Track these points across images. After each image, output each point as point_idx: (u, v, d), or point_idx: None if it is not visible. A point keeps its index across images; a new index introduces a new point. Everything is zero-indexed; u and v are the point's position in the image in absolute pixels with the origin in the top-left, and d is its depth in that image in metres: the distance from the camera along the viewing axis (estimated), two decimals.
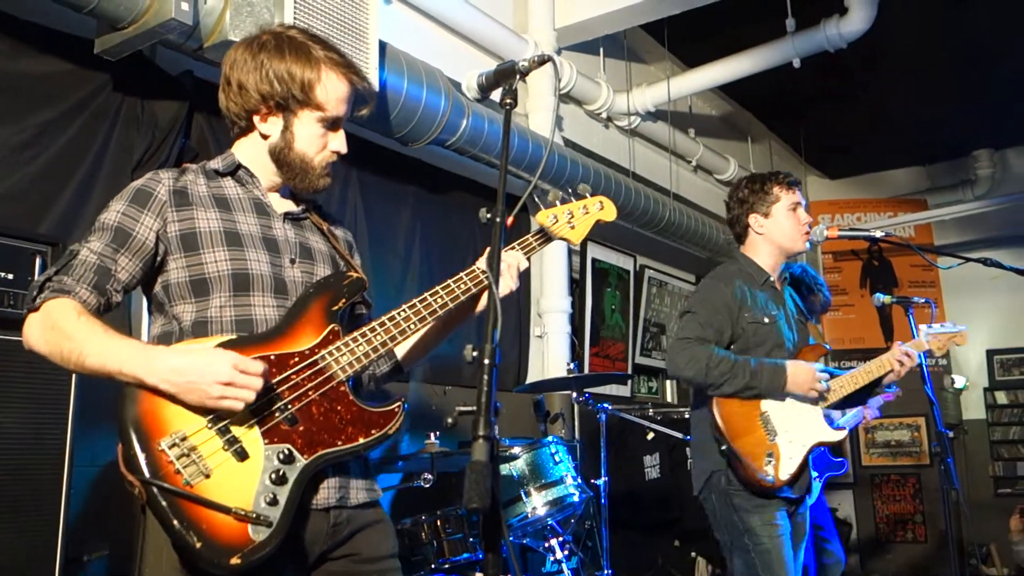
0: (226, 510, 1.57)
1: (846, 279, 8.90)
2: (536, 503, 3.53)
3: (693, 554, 5.92)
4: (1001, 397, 8.52)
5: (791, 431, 2.97)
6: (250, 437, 1.65)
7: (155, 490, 1.55)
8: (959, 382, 8.53)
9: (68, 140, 3.16)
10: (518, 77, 1.78)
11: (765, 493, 2.89)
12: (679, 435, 4.73)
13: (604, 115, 6.20)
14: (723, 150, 7.70)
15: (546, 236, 2.09)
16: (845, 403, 3.22)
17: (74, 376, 2.56)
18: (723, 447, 2.91)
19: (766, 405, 2.97)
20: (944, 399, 8.19)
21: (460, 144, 4.30)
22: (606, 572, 4.09)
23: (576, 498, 3.61)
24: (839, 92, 7.45)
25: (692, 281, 7.47)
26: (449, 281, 1.92)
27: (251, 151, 1.91)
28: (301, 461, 1.67)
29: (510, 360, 5.24)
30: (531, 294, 5.52)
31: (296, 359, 1.73)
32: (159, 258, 1.80)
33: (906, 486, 8.16)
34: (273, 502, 1.62)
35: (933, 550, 7.78)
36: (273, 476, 1.63)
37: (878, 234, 3.29)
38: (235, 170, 1.91)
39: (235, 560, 1.55)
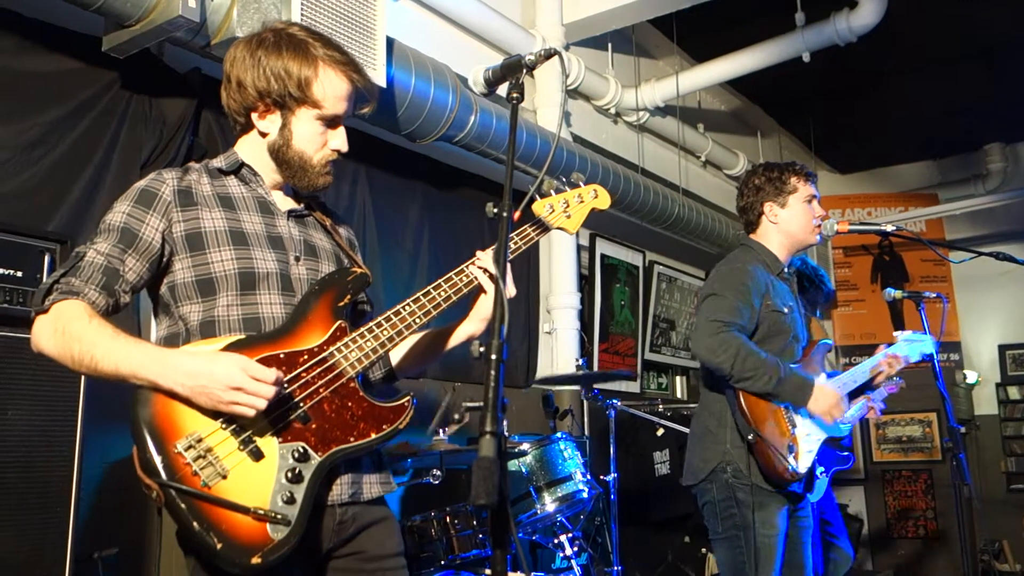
0: (245, 510, 1.58)
1: (857, 274, 8.86)
2: (545, 499, 3.52)
3: (703, 550, 5.91)
4: (1013, 392, 8.47)
5: (807, 425, 2.95)
6: (264, 436, 1.65)
7: (173, 493, 1.55)
8: (971, 377, 8.48)
9: (76, 138, 3.17)
10: (524, 71, 1.77)
11: (781, 484, 2.86)
12: (688, 431, 4.72)
13: (613, 110, 6.18)
14: (733, 145, 7.68)
15: (543, 226, 2.07)
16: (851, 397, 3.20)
17: None
18: (749, 436, 2.84)
19: None
20: (956, 394, 8.15)
21: (468, 140, 4.30)
22: (616, 568, 4.09)
23: (586, 494, 3.60)
24: (849, 86, 7.40)
25: (702, 277, 7.44)
26: (451, 274, 1.93)
27: (252, 149, 1.91)
28: (316, 458, 1.68)
29: (519, 357, 5.24)
30: (540, 290, 5.52)
31: (305, 357, 1.74)
32: (165, 259, 1.79)
33: (917, 482, 8.11)
34: (290, 500, 1.63)
35: (944, 546, 7.74)
36: (289, 474, 1.64)
37: (889, 228, 3.26)
38: (238, 169, 1.91)
39: (256, 559, 1.56)
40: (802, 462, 2.89)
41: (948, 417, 3.14)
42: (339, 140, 1.90)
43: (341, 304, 1.83)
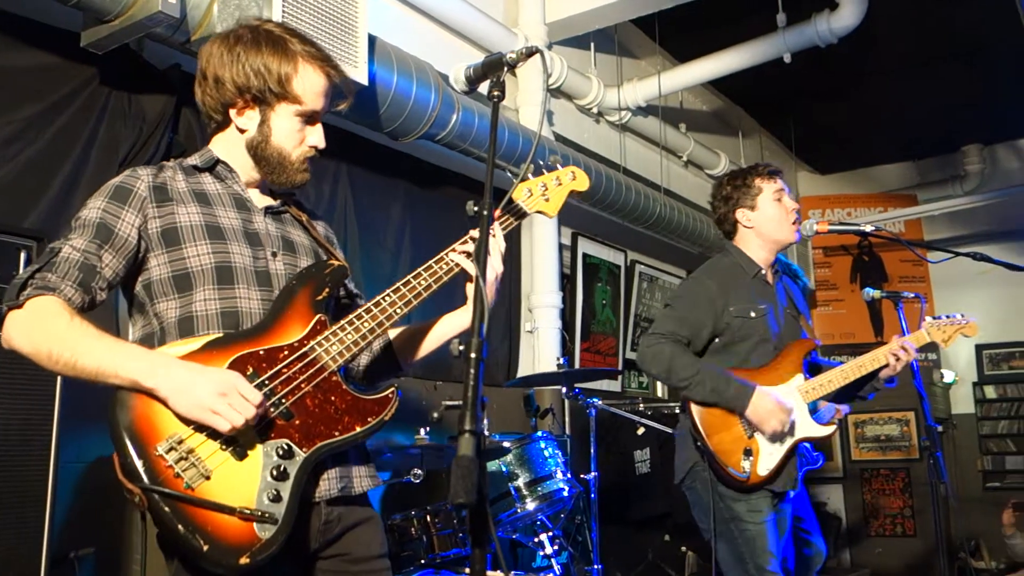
0: (231, 511, 1.56)
1: (836, 274, 8.92)
2: (526, 498, 3.52)
3: (683, 548, 5.93)
4: (990, 391, 8.56)
5: None
6: (247, 434, 1.62)
7: (156, 496, 1.52)
8: (948, 377, 8.56)
9: (54, 134, 3.14)
10: (506, 69, 1.77)
11: (741, 488, 2.90)
12: (669, 430, 4.73)
13: (595, 110, 6.19)
14: (714, 145, 7.70)
15: (521, 211, 2.04)
16: (838, 398, 3.20)
17: None
18: (698, 443, 2.92)
19: None
20: (933, 393, 8.23)
21: (450, 139, 4.29)
22: (596, 567, 4.09)
23: (566, 493, 3.61)
24: (830, 87, 7.45)
25: (683, 276, 7.47)
26: (431, 262, 1.90)
27: (228, 146, 1.90)
28: (301, 455, 1.66)
29: (500, 355, 5.24)
30: (522, 289, 5.52)
31: (286, 352, 1.72)
32: (140, 255, 1.77)
33: (895, 480, 8.18)
34: (276, 498, 1.61)
35: (922, 544, 7.81)
36: (274, 472, 1.62)
37: (868, 229, 3.29)
38: (214, 166, 1.89)
39: (244, 560, 1.54)
40: (761, 466, 2.90)
41: (926, 416, 3.16)
42: (316, 136, 1.89)
43: (320, 298, 1.81)
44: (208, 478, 1.57)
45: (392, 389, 1.82)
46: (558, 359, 5.07)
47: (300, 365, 1.72)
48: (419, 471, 3.33)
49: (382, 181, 4.57)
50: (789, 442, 2.96)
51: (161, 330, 1.75)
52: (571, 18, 5.42)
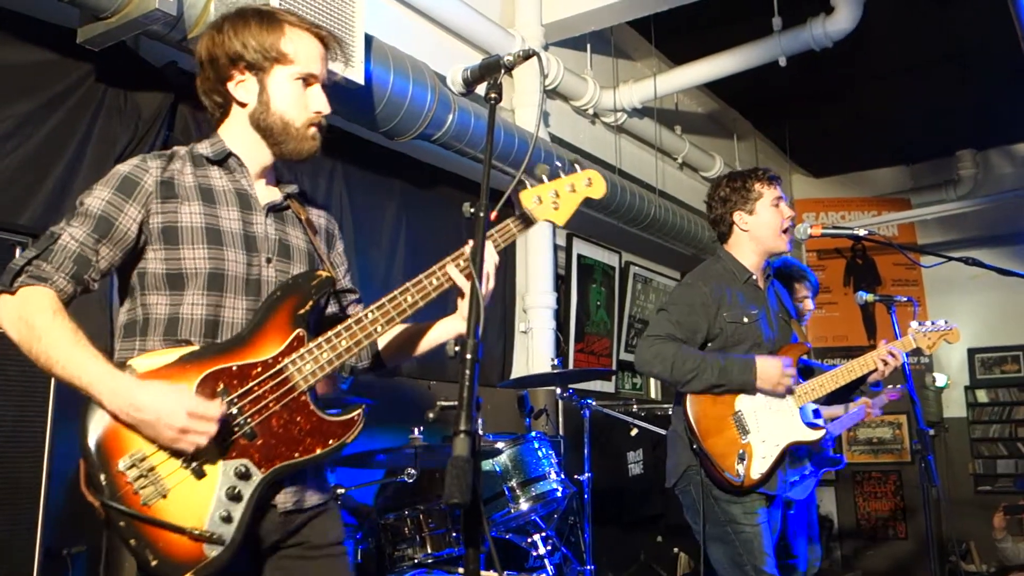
0: (181, 531, 1.61)
1: (830, 277, 8.95)
2: (519, 498, 3.53)
3: (675, 549, 5.95)
4: (982, 395, 8.59)
5: (765, 430, 2.99)
6: (210, 453, 1.66)
7: (113, 511, 1.59)
8: (940, 380, 8.59)
9: (50, 131, 3.13)
10: (503, 71, 1.78)
11: (735, 491, 2.91)
12: (662, 431, 4.73)
13: (591, 111, 6.20)
14: (709, 147, 7.72)
15: (527, 220, 1.98)
16: (829, 401, 3.23)
17: None
18: (694, 446, 2.93)
19: (740, 404, 2.99)
20: (925, 397, 8.26)
21: (446, 139, 4.29)
22: (589, 567, 4.10)
23: (559, 493, 3.61)
24: (824, 91, 7.47)
25: (677, 278, 7.49)
26: (422, 276, 1.89)
27: (236, 131, 1.91)
28: (257, 476, 1.70)
29: (495, 356, 5.24)
30: (516, 290, 5.52)
31: (259, 369, 1.74)
32: (139, 246, 1.80)
33: (887, 483, 8.22)
34: (228, 519, 1.66)
35: (914, 547, 7.85)
36: (228, 492, 1.67)
37: (861, 232, 3.30)
38: (225, 159, 1.90)
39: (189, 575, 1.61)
40: (754, 469, 2.92)
41: (917, 419, 3.18)
42: (319, 101, 1.91)
43: (302, 311, 1.82)
44: (165, 496, 1.63)
45: (359, 412, 1.82)
46: (552, 360, 5.08)
47: (271, 384, 1.74)
48: (413, 470, 3.33)
49: (378, 180, 4.58)
50: (781, 446, 2.98)
51: (145, 321, 1.78)
52: (567, 19, 5.43)
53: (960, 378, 8.66)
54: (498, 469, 3.55)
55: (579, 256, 6.21)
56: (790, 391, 3.02)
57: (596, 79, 6.09)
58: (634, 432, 5.28)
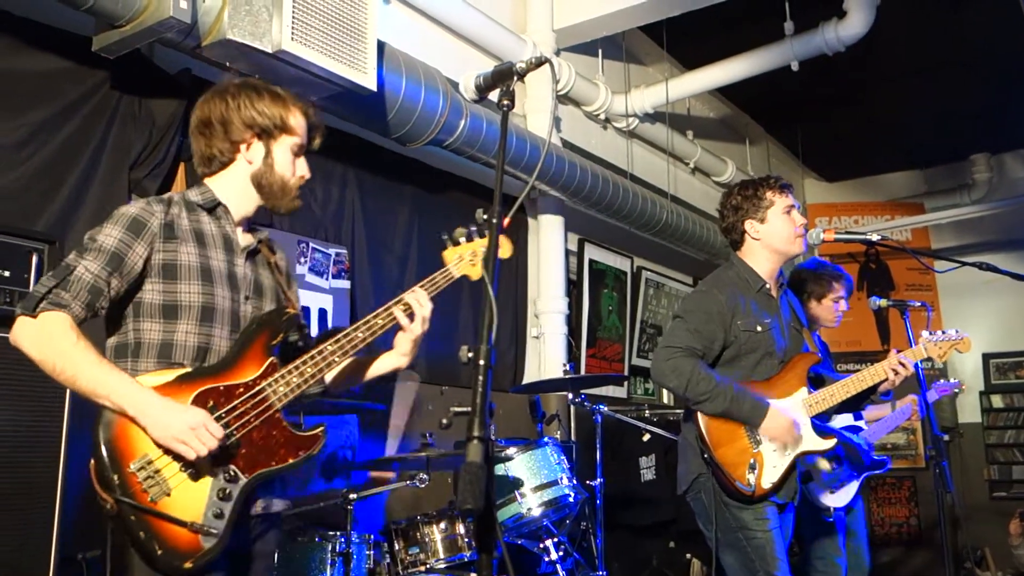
0: (183, 524, 1.89)
1: None
2: (531, 504, 3.53)
3: (688, 555, 5.92)
4: (997, 401, 8.53)
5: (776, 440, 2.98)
6: (204, 460, 1.93)
7: (126, 507, 1.85)
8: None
9: (65, 138, 3.16)
10: (515, 78, 1.80)
11: (746, 501, 2.91)
12: (675, 437, 4.72)
13: (602, 116, 6.20)
14: (721, 152, 7.71)
15: (449, 274, 2.36)
16: (839, 410, 3.22)
17: None
18: (705, 455, 2.93)
19: None
20: (940, 402, 8.20)
21: (458, 144, 4.30)
22: (601, 573, 4.09)
23: (571, 499, 3.61)
24: (837, 95, 7.45)
25: (689, 283, 7.47)
26: (371, 316, 2.22)
27: (231, 183, 2.20)
28: (243, 479, 2.00)
29: (507, 361, 5.24)
30: (528, 295, 5.52)
31: (241, 390, 2.04)
32: (140, 279, 2.05)
33: (901, 489, 8.17)
34: (219, 515, 1.94)
35: (928, 553, 7.79)
36: (220, 493, 1.95)
37: (874, 238, 3.29)
38: (214, 207, 2.19)
39: (188, 564, 1.88)
40: (765, 478, 2.91)
41: (932, 425, 3.17)
42: (304, 167, 2.25)
43: (274, 343, 2.14)
44: (168, 495, 1.89)
45: (321, 428, 2.14)
46: (564, 365, 5.08)
47: (252, 402, 2.04)
48: (425, 475, 3.34)
49: (390, 186, 4.59)
50: (792, 455, 2.97)
51: (137, 344, 2.03)
52: (579, 25, 5.44)
53: (975, 383, 8.59)
54: (510, 475, 3.55)
55: (591, 261, 6.21)
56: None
57: (608, 84, 6.09)
58: (646, 437, 5.27)
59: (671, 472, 5.46)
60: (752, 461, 2.91)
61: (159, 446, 1.90)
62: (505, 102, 1.77)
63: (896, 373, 3.16)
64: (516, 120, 5.21)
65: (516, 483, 3.54)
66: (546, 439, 3.77)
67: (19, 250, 2.65)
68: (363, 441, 4.10)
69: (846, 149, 8.75)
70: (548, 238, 5.53)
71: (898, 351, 3.23)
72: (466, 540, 3.34)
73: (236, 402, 2.01)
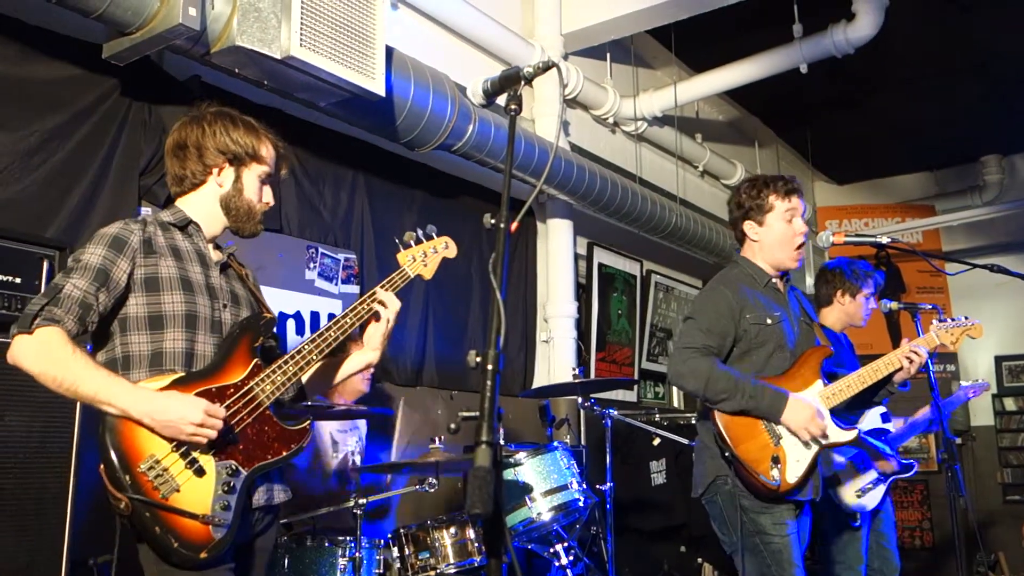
0: (194, 516, 1.99)
1: None
2: (541, 508, 3.52)
3: (699, 560, 5.90)
4: (1009, 403, 8.48)
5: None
6: (205, 457, 2.06)
7: (140, 504, 1.94)
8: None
9: (76, 145, 3.18)
10: (523, 83, 1.80)
11: (772, 497, 2.87)
12: (685, 441, 4.71)
13: (611, 120, 6.20)
14: (730, 155, 7.70)
15: (405, 274, 2.56)
16: (852, 405, 3.19)
17: None
18: (726, 453, 2.90)
19: None
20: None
21: (466, 149, 4.31)
22: None
23: (581, 503, 3.60)
24: (846, 97, 7.43)
25: (699, 286, 7.45)
26: (344, 312, 2.38)
27: (201, 204, 2.32)
28: (244, 473, 2.12)
29: (516, 365, 5.24)
30: (537, 299, 5.52)
31: (232, 390, 2.15)
32: (124, 294, 2.14)
33: (914, 493, 8.12)
34: (226, 507, 2.05)
35: (941, 557, 7.74)
36: (224, 487, 2.07)
37: (884, 240, 3.27)
38: (186, 226, 2.30)
39: (204, 554, 1.99)
40: (790, 473, 2.88)
41: (944, 428, 3.15)
42: (270, 195, 2.39)
43: (256, 345, 2.26)
44: (178, 491, 2.00)
45: (308, 422, 2.28)
46: (574, 369, 5.07)
47: (243, 401, 2.15)
48: (434, 480, 3.33)
49: (398, 190, 4.60)
50: (815, 449, 2.94)
51: (126, 358, 2.12)
52: (587, 29, 5.44)
53: None
54: (520, 479, 3.54)
55: (600, 265, 6.21)
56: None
57: (616, 88, 6.09)
58: (656, 441, 5.26)
59: (682, 476, 5.47)
60: (775, 456, 2.87)
61: (169, 441, 2.00)
62: (513, 106, 1.77)
63: (911, 361, 3.16)
64: (524, 124, 5.22)
65: (526, 488, 3.53)
66: (556, 443, 3.76)
67: (30, 256, 2.67)
68: (371, 445, 4.10)
69: (856, 151, 8.73)
70: (557, 242, 5.53)
71: (909, 340, 3.22)
72: (476, 545, 3.34)
73: (228, 401, 2.12)
